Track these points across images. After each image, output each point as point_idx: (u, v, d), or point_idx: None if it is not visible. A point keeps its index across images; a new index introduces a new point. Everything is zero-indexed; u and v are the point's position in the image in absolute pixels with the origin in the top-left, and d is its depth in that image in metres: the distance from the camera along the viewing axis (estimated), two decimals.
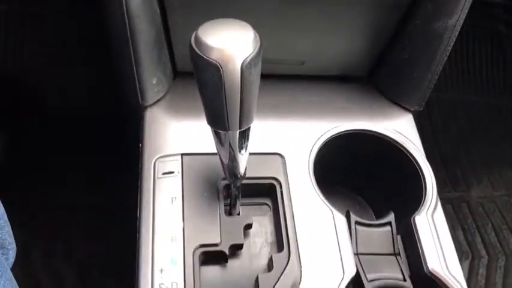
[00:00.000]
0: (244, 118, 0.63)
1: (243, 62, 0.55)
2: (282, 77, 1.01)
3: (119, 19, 0.78)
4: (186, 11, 0.84)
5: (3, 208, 0.72)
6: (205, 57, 0.55)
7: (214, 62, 0.55)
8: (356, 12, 0.89)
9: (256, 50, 0.56)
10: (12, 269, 0.71)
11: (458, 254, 1.64)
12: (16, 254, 1.25)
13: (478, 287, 1.60)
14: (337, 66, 1.01)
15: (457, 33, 0.87)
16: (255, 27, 0.57)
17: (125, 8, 0.76)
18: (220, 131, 0.66)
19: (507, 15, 2.15)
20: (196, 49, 0.55)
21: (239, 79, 0.57)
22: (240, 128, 0.64)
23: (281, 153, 0.87)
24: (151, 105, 0.90)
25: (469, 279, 1.60)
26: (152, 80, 0.88)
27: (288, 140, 0.89)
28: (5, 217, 0.72)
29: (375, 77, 1.03)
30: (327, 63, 1.00)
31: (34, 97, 1.59)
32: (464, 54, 2.07)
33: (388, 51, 0.97)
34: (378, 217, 0.87)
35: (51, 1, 1.61)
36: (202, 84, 0.60)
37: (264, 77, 0.98)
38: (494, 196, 1.81)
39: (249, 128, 0.67)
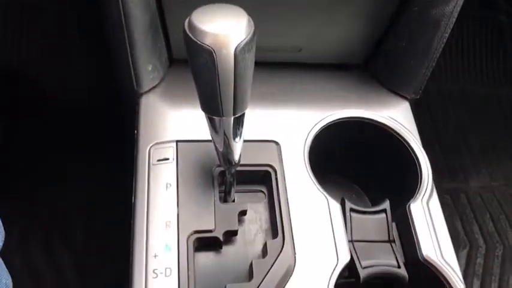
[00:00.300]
0: (238, 104, 0.62)
1: (236, 47, 0.55)
2: (279, 65, 1.01)
3: (114, 5, 0.78)
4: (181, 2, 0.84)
5: None
6: (198, 42, 0.55)
7: (208, 47, 0.54)
8: (356, 2, 0.88)
9: (250, 36, 0.56)
10: (4, 255, 0.72)
11: (456, 244, 1.65)
12: (14, 242, 1.26)
13: (475, 276, 1.60)
14: (334, 53, 1.01)
15: (454, 20, 0.87)
16: (250, 13, 0.57)
17: None
18: (214, 117, 0.65)
19: (508, 6, 2.14)
20: (189, 34, 0.55)
21: (233, 64, 0.56)
22: (234, 114, 0.64)
23: (276, 140, 0.87)
24: (146, 92, 0.90)
25: (466, 269, 1.61)
26: (147, 67, 0.88)
27: (284, 127, 0.89)
28: None
29: (371, 65, 1.03)
30: (324, 50, 1.00)
31: (33, 88, 1.59)
32: (464, 44, 2.07)
33: (385, 38, 0.97)
34: (374, 205, 0.87)
35: None
36: (196, 70, 0.60)
37: (261, 64, 0.98)
38: (493, 186, 1.82)
39: (243, 115, 0.66)
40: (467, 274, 1.60)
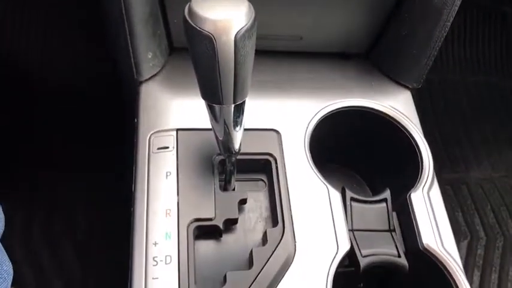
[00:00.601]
0: (238, 92, 0.62)
1: (236, 34, 0.54)
2: (280, 54, 1.00)
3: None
4: None
5: None
6: (198, 28, 0.54)
7: (208, 33, 0.54)
8: None
9: (250, 22, 0.55)
10: (6, 243, 0.72)
11: (457, 235, 1.65)
12: (16, 227, 1.27)
13: (476, 267, 1.61)
14: (335, 42, 1.00)
15: (456, 8, 0.86)
16: (251, 0, 0.56)
17: None
18: (214, 105, 0.65)
19: None
20: (189, 20, 0.55)
21: (233, 51, 0.56)
22: (234, 102, 0.63)
23: (277, 129, 0.86)
24: (146, 81, 0.90)
25: (467, 260, 1.61)
26: (147, 55, 0.87)
27: (285, 116, 0.88)
28: None
29: (373, 54, 1.02)
30: (325, 39, 0.99)
31: (33, 76, 1.59)
32: (467, 34, 2.05)
33: (387, 27, 0.96)
34: (375, 194, 0.87)
35: None
36: (196, 57, 0.59)
37: (262, 53, 0.98)
38: (494, 177, 1.81)
39: (243, 103, 0.66)
40: (467, 265, 1.60)
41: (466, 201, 1.74)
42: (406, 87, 0.98)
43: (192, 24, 0.54)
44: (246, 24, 0.55)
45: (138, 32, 0.83)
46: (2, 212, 0.72)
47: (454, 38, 2.04)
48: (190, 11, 0.55)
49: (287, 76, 0.97)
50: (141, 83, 0.89)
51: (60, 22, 1.63)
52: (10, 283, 0.70)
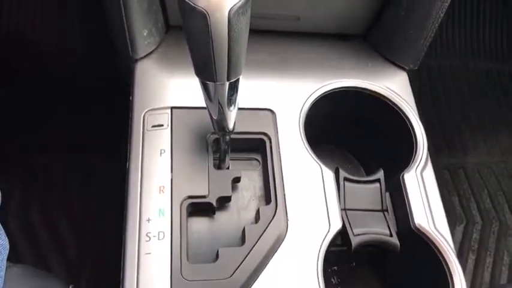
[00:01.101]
0: (232, 69, 0.62)
1: (230, 10, 0.54)
2: (277, 34, 1.00)
3: None
4: None
5: None
6: (192, 4, 0.54)
7: (201, 9, 0.54)
8: None
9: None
10: (5, 219, 0.72)
11: (453, 219, 1.66)
12: (12, 206, 1.27)
13: (471, 251, 1.62)
14: (333, 23, 1.00)
15: None
16: None
17: None
18: (208, 83, 0.65)
19: None
20: None
21: (226, 28, 0.56)
22: (228, 80, 0.63)
23: (272, 108, 0.86)
24: (142, 59, 0.89)
25: (462, 244, 1.62)
26: (143, 32, 0.87)
27: (280, 96, 0.88)
28: None
29: (371, 35, 1.02)
30: (323, 19, 0.99)
31: (31, 52, 1.58)
32: (468, 18, 2.04)
33: (385, 8, 0.95)
34: (369, 175, 0.87)
35: None
36: (190, 33, 0.59)
37: (259, 32, 0.98)
38: (491, 162, 1.82)
39: (237, 80, 0.66)
40: (463, 249, 1.61)
41: (462, 185, 1.75)
42: (403, 69, 0.97)
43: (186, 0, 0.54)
44: (240, 1, 0.54)
45: (133, 9, 0.82)
46: None
47: (455, 21, 2.02)
48: None
49: (283, 56, 0.97)
50: (136, 60, 0.89)
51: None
52: (6, 257, 0.71)
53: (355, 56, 1.00)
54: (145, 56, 0.90)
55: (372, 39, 1.02)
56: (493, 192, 1.75)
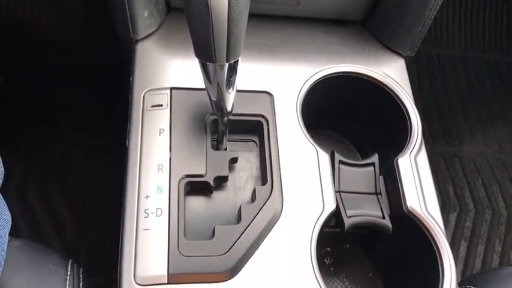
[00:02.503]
0: (231, 50, 0.63)
1: None
2: (276, 18, 1.01)
3: None
4: None
5: None
6: None
7: None
8: None
9: None
10: (6, 199, 0.74)
11: (446, 207, 1.68)
12: (12, 187, 1.29)
13: (463, 238, 1.65)
14: (332, 8, 1.00)
15: None
16: None
17: None
18: (207, 64, 0.66)
19: None
20: None
21: (226, 9, 0.57)
22: (227, 61, 0.64)
23: (270, 91, 0.88)
24: (142, 39, 0.90)
25: (455, 231, 1.65)
26: (144, 13, 0.88)
27: (278, 79, 0.89)
28: None
29: (369, 21, 1.02)
30: (322, 5, 0.99)
31: (31, 36, 1.58)
32: (468, 9, 2.04)
33: None
34: (364, 159, 0.89)
35: None
36: (190, 13, 0.60)
37: (258, 16, 0.98)
38: (487, 153, 1.83)
39: (236, 62, 0.67)
40: (455, 236, 1.64)
41: (457, 174, 1.77)
42: (400, 55, 0.98)
43: None
44: None
45: None
46: (2, 165, 0.73)
47: (455, 13, 2.03)
48: None
49: (282, 40, 0.98)
50: (137, 41, 0.90)
51: None
52: (8, 231, 0.72)
53: (353, 41, 1.00)
54: (145, 37, 0.91)
55: (370, 25, 1.02)
56: (487, 182, 1.77)
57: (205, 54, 0.64)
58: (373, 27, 1.02)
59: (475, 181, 1.77)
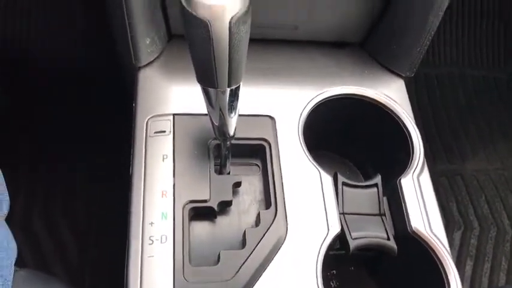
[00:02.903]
0: (232, 76, 0.64)
1: (231, 19, 0.56)
2: (276, 42, 1.02)
3: None
4: None
5: None
6: (194, 13, 0.56)
7: (203, 18, 0.56)
8: None
9: (245, 8, 0.57)
10: (9, 224, 0.74)
11: (450, 225, 1.67)
12: (16, 210, 1.29)
13: (468, 256, 1.63)
14: (330, 31, 1.02)
15: None
16: None
17: None
18: (209, 89, 0.67)
19: None
20: (185, 5, 0.56)
21: (227, 36, 0.58)
22: (228, 86, 0.65)
23: (271, 115, 0.88)
24: (144, 66, 0.91)
25: (460, 249, 1.64)
26: (145, 41, 0.89)
27: (279, 103, 0.90)
28: None
29: (368, 42, 1.04)
30: (321, 28, 1.01)
31: (36, 58, 1.60)
32: (465, 28, 2.07)
33: (382, 16, 0.98)
34: (367, 180, 0.89)
35: None
36: (192, 41, 0.61)
37: (258, 41, 1.00)
38: (489, 169, 1.83)
39: (238, 87, 0.68)
40: (461, 255, 1.63)
41: (460, 192, 1.76)
42: (400, 76, 1.00)
43: (188, 8, 0.56)
44: (240, 10, 0.57)
45: (136, 18, 0.84)
46: (7, 193, 0.74)
47: (452, 31, 2.05)
48: None
49: (282, 64, 0.99)
50: (139, 68, 0.91)
51: (61, 5, 1.64)
52: (14, 261, 0.72)
53: (352, 63, 1.02)
54: (147, 64, 0.92)
55: (368, 47, 1.04)
56: (491, 199, 1.77)
57: (207, 80, 0.65)
58: (371, 49, 1.03)
59: (479, 198, 1.76)
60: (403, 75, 0.99)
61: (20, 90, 1.55)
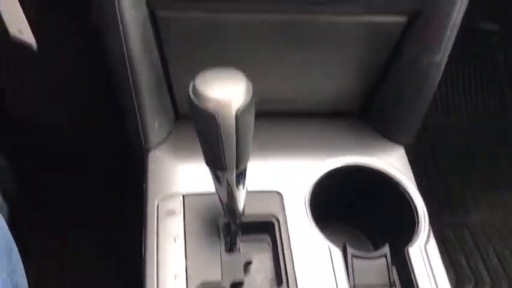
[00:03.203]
0: (240, 159, 0.67)
1: (237, 111, 0.60)
2: (274, 115, 1.05)
3: (121, 68, 0.84)
4: (184, 59, 0.90)
5: None
6: (202, 107, 0.60)
7: (211, 111, 0.60)
8: (346, 53, 0.94)
9: (249, 99, 0.61)
10: None
11: (461, 280, 1.65)
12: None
13: None
14: (328, 103, 1.06)
15: (442, 69, 0.92)
16: (248, 70, 0.62)
17: (126, 57, 0.82)
18: (218, 171, 0.70)
19: (504, 44, 2.19)
20: (194, 100, 0.60)
21: (234, 126, 0.61)
22: (236, 168, 0.68)
23: (279, 190, 0.91)
24: (153, 148, 0.95)
25: None
26: (154, 124, 0.93)
27: (285, 177, 0.93)
28: None
29: (366, 112, 1.08)
30: (319, 101, 1.05)
31: (45, 139, 1.63)
32: (466, 80, 2.11)
33: (378, 87, 1.02)
34: (375, 248, 0.90)
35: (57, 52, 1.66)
36: (200, 131, 0.65)
37: (257, 115, 1.04)
38: (495, 220, 1.83)
39: (245, 168, 0.71)
40: None
41: (468, 245, 1.75)
42: (399, 143, 1.03)
43: (196, 103, 0.60)
44: (245, 101, 0.61)
45: (146, 105, 0.89)
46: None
47: (454, 83, 2.09)
48: (194, 90, 0.60)
49: (283, 137, 1.02)
50: (148, 150, 0.94)
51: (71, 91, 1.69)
52: None
53: (353, 133, 1.05)
54: (156, 146, 0.95)
55: (367, 116, 1.08)
56: (500, 251, 1.75)
57: (216, 163, 0.69)
58: (370, 119, 1.07)
59: (487, 250, 1.75)
60: (403, 143, 1.02)
61: (28, 172, 1.56)
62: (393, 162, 0.99)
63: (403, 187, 0.95)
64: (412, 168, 1.01)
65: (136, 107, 0.89)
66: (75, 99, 1.67)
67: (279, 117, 1.06)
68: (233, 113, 0.60)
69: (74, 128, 1.65)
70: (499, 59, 2.18)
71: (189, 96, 0.61)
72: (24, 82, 1.69)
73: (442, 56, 0.91)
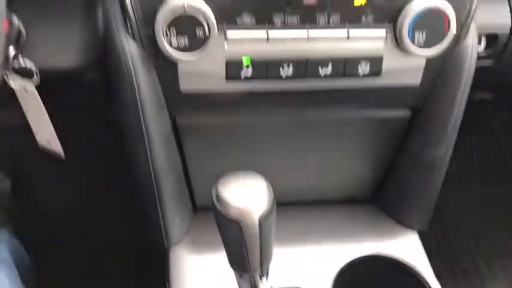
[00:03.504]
0: (264, 259, 0.69)
1: (260, 217, 0.63)
2: (289, 204, 1.08)
3: (145, 174, 0.88)
4: (204, 157, 0.95)
5: None
6: (226, 216, 0.63)
7: (235, 219, 0.63)
8: (356, 145, 0.99)
9: (271, 204, 0.64)
10: None
11: None
12: None
13: None
14: (341, 192, 1.09)
15: (447, 161, 0.96)
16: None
17: (151, 167, 0.86)
18: (241, 272, 0.72)
19: (498, 111, 2.25)
20: (218, 208, 0.64)
21: (258, 231, 0.64)
22: (260, 267, 0.71)
23: (301, 287, 0.92)
24: (175, 245, 0.97)
25: None
26: (175, 221, 0.96)
27: (305, 271, 0.94)
28: None
29: (379, 199, 1.11)
30: (332, 190, 1.08)
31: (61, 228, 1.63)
32: (474, 151, 2.14)
33: (388, 177, 1.06)
34: None
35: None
36: (224, 236, 0.68)
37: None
38: None
39: (268, 266, 0.73)
40: None
41: None
42: (413, 229, 1.05)
43: (221, 211, 0.63)
44: (267, 207, 0.64)
45: (167, 202, 0.91)
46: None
47: (463, 155, 2.12)
48: (218, 198, 0.64)
49: (301, 226, 1.04)
50: (169, 248, 0.97)
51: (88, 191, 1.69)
52: None
53: (367, 219, 1.08)
54: (178, 242, 0.98)
55: (380, 203, 1.11)
56: None
57: (240, 266, 0.71)
58: (382, 205, 1.10)
59: None
60: (416, 229, 1.04)
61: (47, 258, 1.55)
62: (407, 249, 1.00)
63: (419, 274, 0.96)
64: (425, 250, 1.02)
65: (159, 208, 0.92)
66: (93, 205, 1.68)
67: (294, 207, 1.08)
68: (256, 220, 0.63)
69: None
70: (495, 125, 2.22)
71: (213, 203, 0.64)
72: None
73: (446, 149, 0.95)
